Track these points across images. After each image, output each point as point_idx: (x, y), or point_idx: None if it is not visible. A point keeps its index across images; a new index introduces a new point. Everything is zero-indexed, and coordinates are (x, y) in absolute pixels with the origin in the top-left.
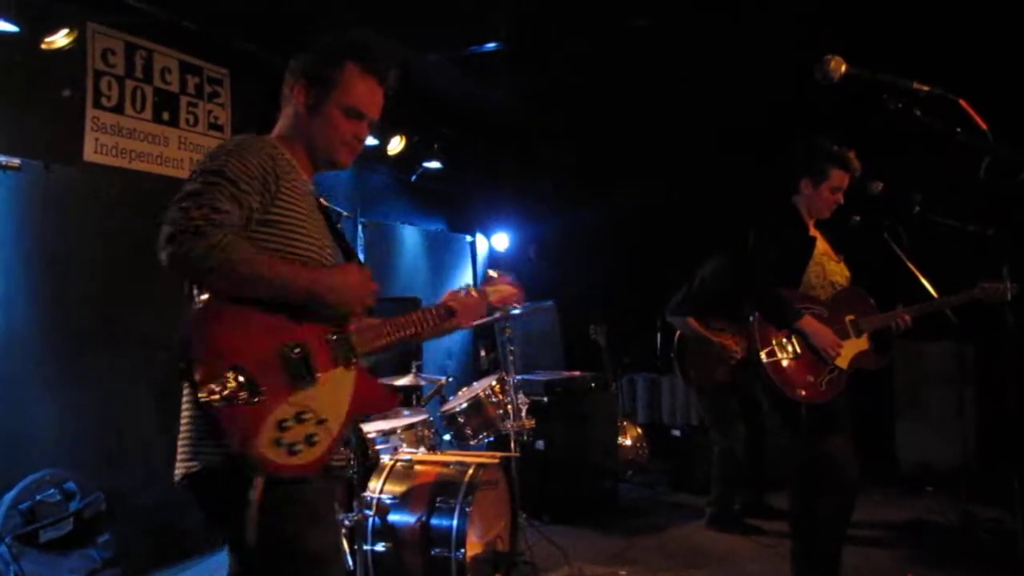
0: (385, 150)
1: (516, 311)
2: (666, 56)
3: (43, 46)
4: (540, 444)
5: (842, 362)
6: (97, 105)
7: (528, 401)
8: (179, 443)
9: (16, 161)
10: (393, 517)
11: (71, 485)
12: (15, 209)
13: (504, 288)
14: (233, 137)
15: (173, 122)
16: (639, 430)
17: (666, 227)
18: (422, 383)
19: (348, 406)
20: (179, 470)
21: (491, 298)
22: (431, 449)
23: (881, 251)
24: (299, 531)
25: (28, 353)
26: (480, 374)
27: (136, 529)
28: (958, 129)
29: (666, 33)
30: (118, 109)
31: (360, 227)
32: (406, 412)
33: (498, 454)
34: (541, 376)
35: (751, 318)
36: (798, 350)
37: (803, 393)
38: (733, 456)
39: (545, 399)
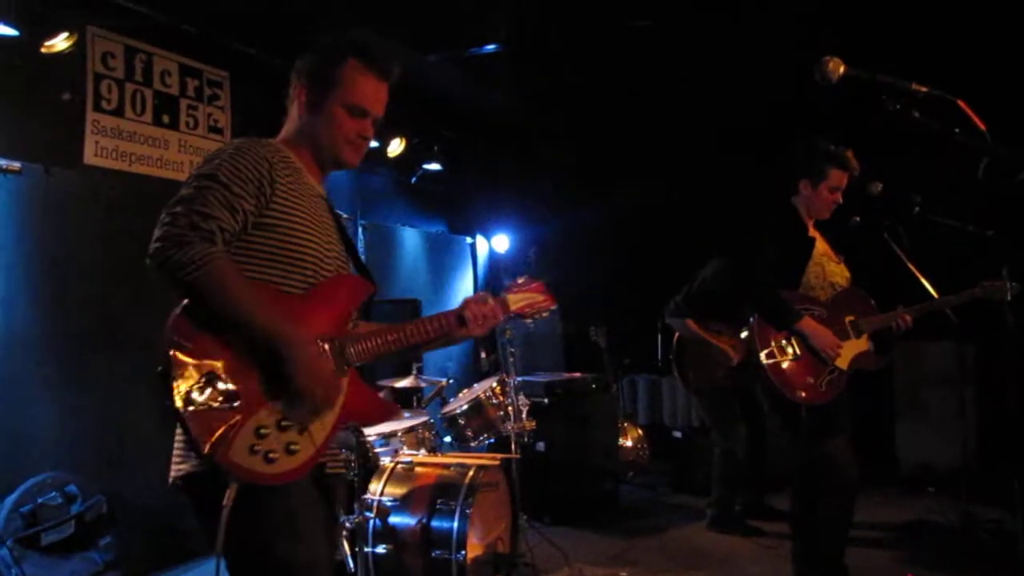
0: (385, 152)
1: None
2: (666, 57)
3: (43, 50)
4: (541, 446)
5: (842, 363)
6: (97, 108)
7: (529, 403)
8: (174, 446)
9: (16, 164)
10: (394, 519)
11: (72, 488)
12: (15, 212)
13: (535, 296)
14: (232, 140)
15: (173, 125)
16: (640, 431)
17: (666, 228)
18: (422, 385)
19: (336, 415)
20: (171, 473)
21: (515, 306)
22: (432, 451)
23: (881, 251)
24: (272, 541)
25: (29, 355)
26: (481, 376)
27: (137, 531)
28: (956, 130)
29: (666, 34)
30: (118, 112)
31: (360, 229)
32: (407, 414)
33: (499, 456)
34: (541, 378)
35: (751, 320)
36: (798, 351)
37: (803, 395)
38: (734, 457)
39: (546, 400)
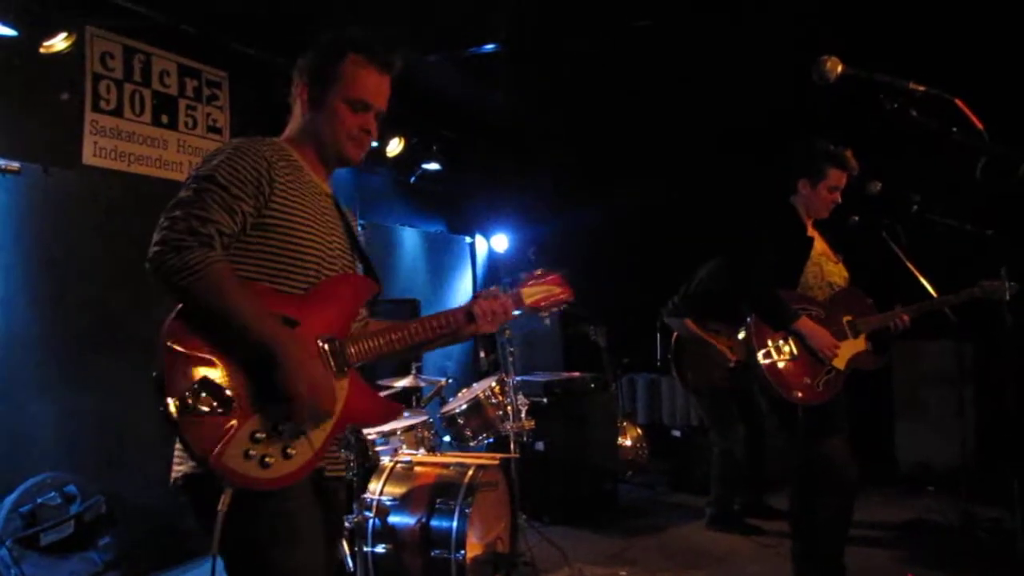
0: (384, 152)
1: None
2: (666, 56)
3: (42, 50)
4: (540, 445)
5: (839, 363)
6: (96, 108)
7: (528, 402)
8: (175, 445)
9: (15, 165)
10: (393, 519)
11: (72, 488)
12: (14, 212)
13: (551, 289)
14: (231, 140)
15: (172, 125)
16: (639, 430)
17: (665, 227)
18: (422, 384)
19: (336, 418)
20: (172, 473)
21: (530, 300)
22: (431, 450)
23: (880, 250)
24: (268, 545)
25: (28, 356)
26: (480, 375)
27: (137, 532)
28: (954, 129)
29: (666, 34)
30: (117, 112)
31: (359, 229)
32: (406, 413)
33: (498, 455)
34: (540, 377)
35: (748, 319)
36: (795, 351)
37: (799, 395)
38: (732, 457)
39: (545, 400)
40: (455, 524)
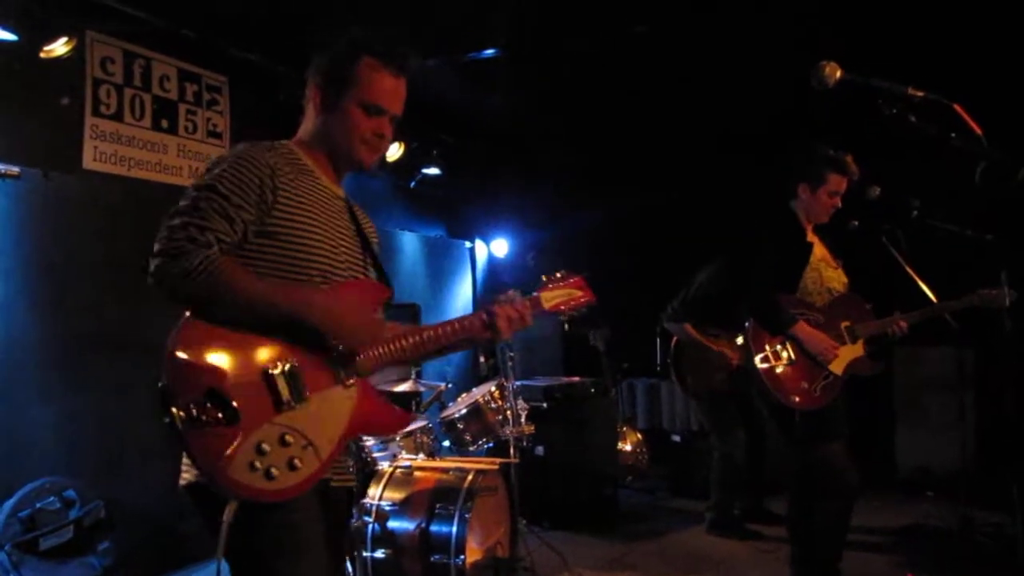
0: (384, 156)
1: None
2: (666, 59)
3: (42, 54)
4: (539, 450)
5: (837, 368)
6: (96, 113)
7: (527, 407)
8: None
9: (15, 169)
10: (393, 524)
11: (71, 493)
12: (14, 217)
13: (572, 292)
14: (235, 146)
15: (172, 130)
16: (639, 435)
17: (666, 231)
18: (421, 389)
19: (344, 428)
20: (180, 480)
21: (549, 304)
22: (430, 455)
23: (879, 255)
24: (273, 556)
25: (28, 359)
26: (479, 380)
27: (136, 536)
28: (953, 134)
29: (665, 37)
30: (117, 117)
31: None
32: None
33: (497, 460)
34: (540, 382)
35: (746, 324)
36: (792, 356)
37: (797, 399)
38: (732, 462)
39: (544, 405)
40: (455, 529)
